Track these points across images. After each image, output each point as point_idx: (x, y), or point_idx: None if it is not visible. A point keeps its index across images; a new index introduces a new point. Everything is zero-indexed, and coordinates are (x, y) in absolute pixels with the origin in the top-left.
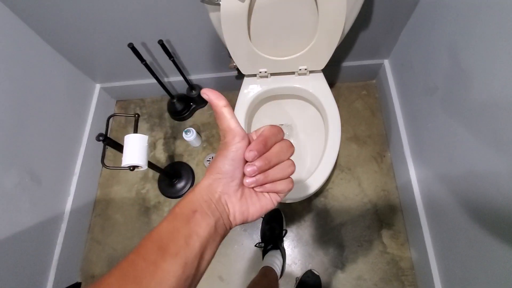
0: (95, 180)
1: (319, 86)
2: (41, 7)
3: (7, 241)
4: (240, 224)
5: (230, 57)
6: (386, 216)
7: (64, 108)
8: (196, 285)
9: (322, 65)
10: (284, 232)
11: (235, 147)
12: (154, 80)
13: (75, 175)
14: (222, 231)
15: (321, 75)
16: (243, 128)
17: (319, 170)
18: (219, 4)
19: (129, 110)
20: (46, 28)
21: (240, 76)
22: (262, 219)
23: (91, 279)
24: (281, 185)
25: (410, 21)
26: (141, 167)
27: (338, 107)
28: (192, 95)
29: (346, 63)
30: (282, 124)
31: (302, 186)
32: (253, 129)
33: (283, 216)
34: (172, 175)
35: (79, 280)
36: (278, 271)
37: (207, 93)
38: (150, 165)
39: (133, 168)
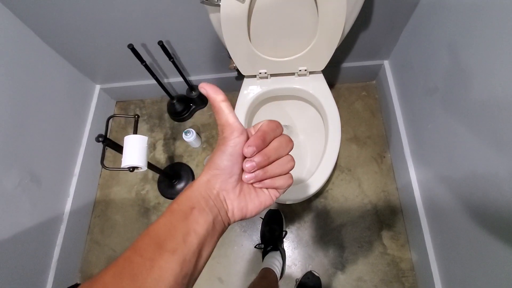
0: (94, 181)
1: (319, 87)
2: (41, 9)
3: (7, 241)
4: (239, 221)
5: (230, 58)
6: (386, 217)
7: (64, 109)
8: (193, 283)
9: (322, 66)
10: (284, 233)
11: (233, 142)
12: (154, 81)
13: (74, 176)
14: (220, 228)
15: (321, 76)
16: None
17: (319, 171)
18: (219, 5)
19: (129, 111)
20: (46, 29)
21: (240, 77)
22: (261, 220)
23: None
24: (280, 181)
25: (410, 22)
26: (141, 168)
27: (338, 108)
28: (192, 96)
29: (346, 64)
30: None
31: (302, 187)
32: None
33: (283, 217)
34: (172, 176)
35: (78, 281)
36: (278, 273)
37: (205, 87)
38: (150, 166)
39: (132, 169)
